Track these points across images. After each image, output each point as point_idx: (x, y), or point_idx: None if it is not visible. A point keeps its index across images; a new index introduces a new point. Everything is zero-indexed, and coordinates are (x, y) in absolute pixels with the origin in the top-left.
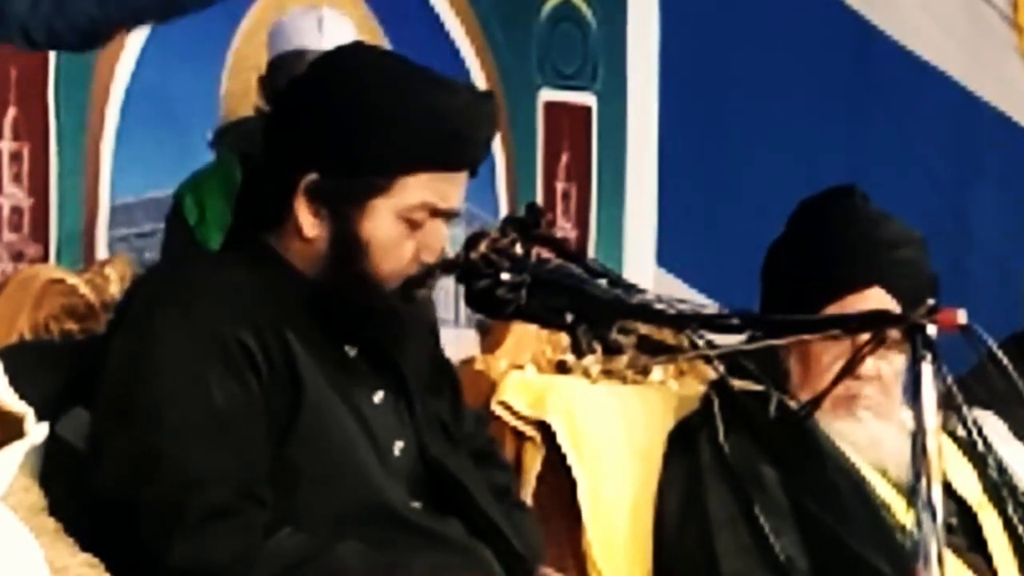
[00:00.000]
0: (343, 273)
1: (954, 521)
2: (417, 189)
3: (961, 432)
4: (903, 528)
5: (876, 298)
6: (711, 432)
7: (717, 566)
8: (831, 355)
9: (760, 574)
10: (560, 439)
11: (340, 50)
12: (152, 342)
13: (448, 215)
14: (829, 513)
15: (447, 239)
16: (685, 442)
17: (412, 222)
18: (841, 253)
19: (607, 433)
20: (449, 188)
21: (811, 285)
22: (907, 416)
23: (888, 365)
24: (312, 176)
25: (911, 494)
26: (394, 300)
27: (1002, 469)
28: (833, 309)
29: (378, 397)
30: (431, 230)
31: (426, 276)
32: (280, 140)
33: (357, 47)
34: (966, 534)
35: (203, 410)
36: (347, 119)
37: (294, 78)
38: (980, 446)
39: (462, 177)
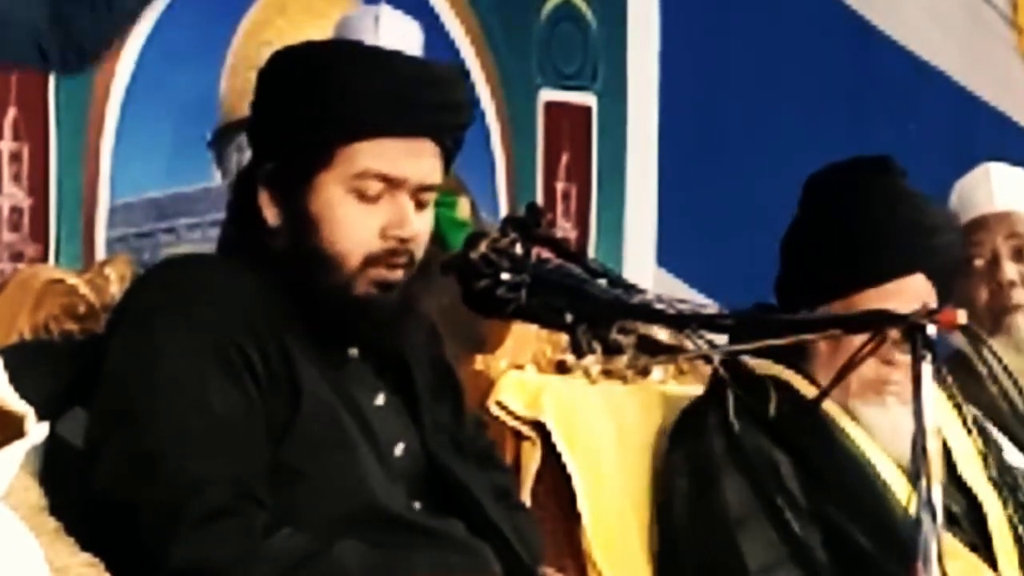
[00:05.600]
0: (298, 253)
1: (957, 509)
2: (360, 157)
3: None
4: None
5: (917, 284)
6: (721, 415)
7: (741, 561)
8: (861, 337)
9: (787, 566)
10: (556, 439)
11: (293, 45)
12: (151, 345)
13: (405, 186)
14: (840, 507)
15: (413, 217)
16: (692, 427)
17: (365, 195)
18: (887, 236)
19: (604, 433)
20: (399, 156)
21: (851, 266)
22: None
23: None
24: (268, 165)
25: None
26: (361, 286)
27: (1005, 467)
28: (872, 293)
29: (380, 399)
30: (390, 204)
31: (388, 254)
32: (251, 139)
33: (316, 41)
34: (972, 525)
35: (201, 413)
36: (288, 99)
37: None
38: (981, 445)
39: (418, 146)
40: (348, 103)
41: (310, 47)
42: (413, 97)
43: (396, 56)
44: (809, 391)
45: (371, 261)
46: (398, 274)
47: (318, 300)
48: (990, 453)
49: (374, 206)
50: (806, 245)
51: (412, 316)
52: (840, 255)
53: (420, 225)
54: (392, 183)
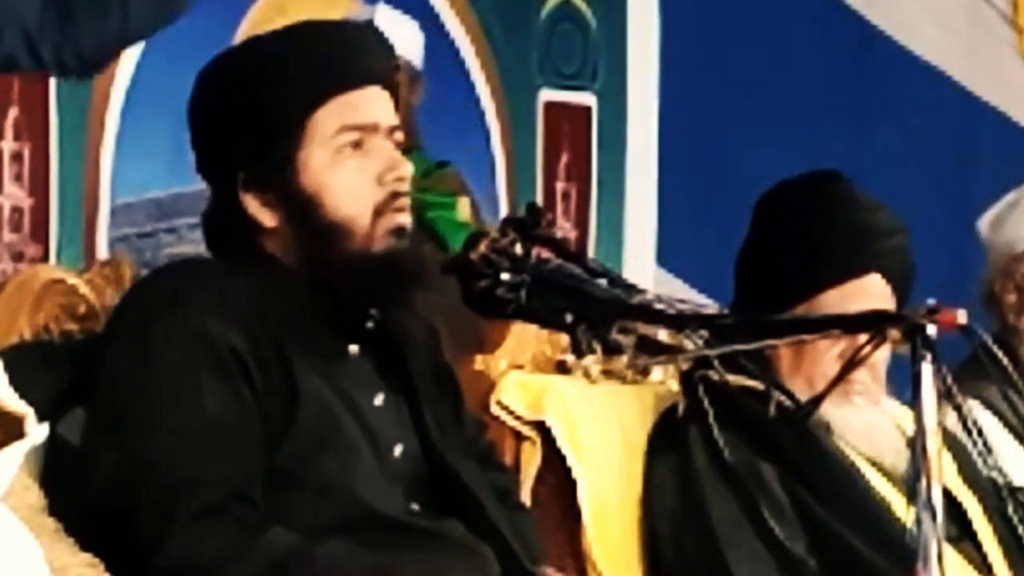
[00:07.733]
0: (311, 234)
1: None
2: (328, 118)
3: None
4: (902, 524)
5: (875, 284)
6: (703, 428)
7: (727, 572)
8: (826, 340)
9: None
10: (558, 439)
11: (207, 64)
12: (147, 350)
13: (379, 131)
14: (830, 509)
15: (402, 158)
16: (672, 438)
17: (349, 150)
18: (842, 238)
19: (605, 433)
20: (360, 103)
21: (809, 269)
22: (889, 404)
23: (881, 351)
24: (241, 174)
25: (911, 494)
26: (379, 243)
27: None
28: (833, 294)
29: (379, 399)
30: (376, 151)
31: (391, 198)
32: (202, 157)
33: (228, 48)
34: (953, 521)
35: (195, 416)
36: (236, 100)
37: (190, 101)
38: (980, 446)
39: (372, 92)
40: (298, 76)
41: (226, 54)
42: (347, 47)
43: (313, 23)
44: (782, 399)
45: (379, 210)
46: (407, 217)
47: (344, 268)
48: (989, 456)
49: (363, 159)
50: (764, 257)
51: (429, 276)
52: (798, 260)
53: (409, 165)
54: (367, 130)
